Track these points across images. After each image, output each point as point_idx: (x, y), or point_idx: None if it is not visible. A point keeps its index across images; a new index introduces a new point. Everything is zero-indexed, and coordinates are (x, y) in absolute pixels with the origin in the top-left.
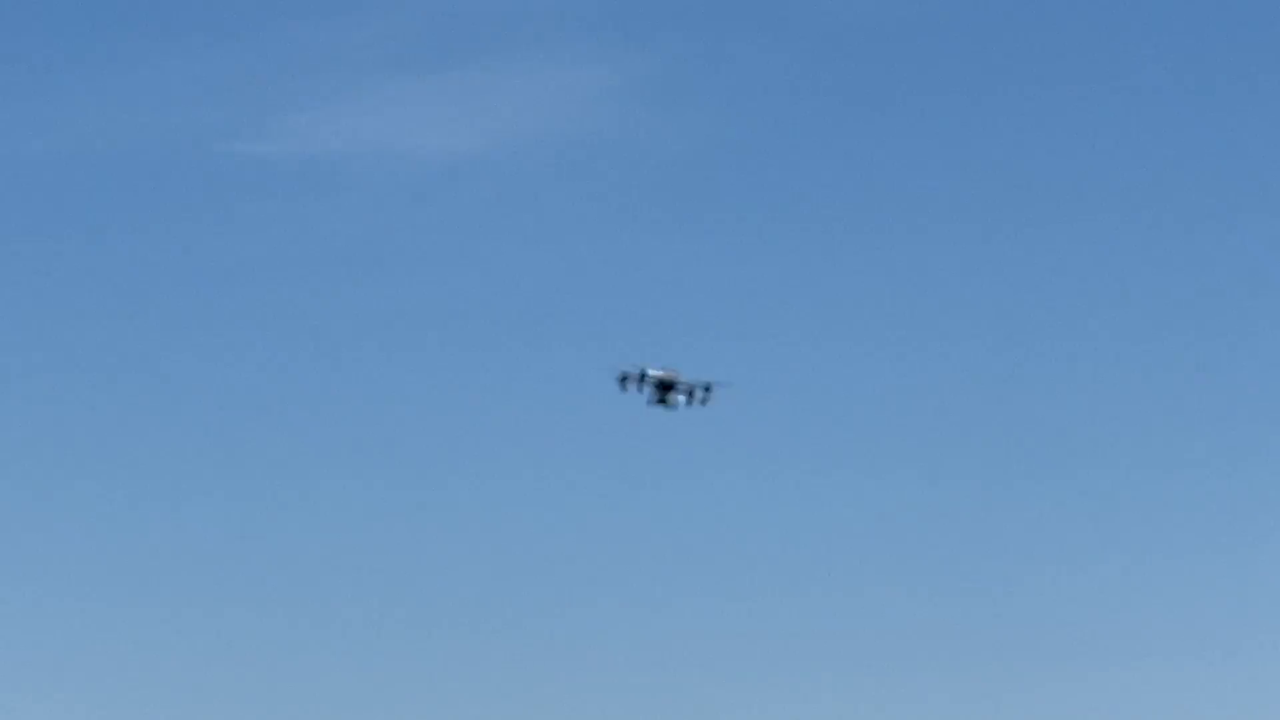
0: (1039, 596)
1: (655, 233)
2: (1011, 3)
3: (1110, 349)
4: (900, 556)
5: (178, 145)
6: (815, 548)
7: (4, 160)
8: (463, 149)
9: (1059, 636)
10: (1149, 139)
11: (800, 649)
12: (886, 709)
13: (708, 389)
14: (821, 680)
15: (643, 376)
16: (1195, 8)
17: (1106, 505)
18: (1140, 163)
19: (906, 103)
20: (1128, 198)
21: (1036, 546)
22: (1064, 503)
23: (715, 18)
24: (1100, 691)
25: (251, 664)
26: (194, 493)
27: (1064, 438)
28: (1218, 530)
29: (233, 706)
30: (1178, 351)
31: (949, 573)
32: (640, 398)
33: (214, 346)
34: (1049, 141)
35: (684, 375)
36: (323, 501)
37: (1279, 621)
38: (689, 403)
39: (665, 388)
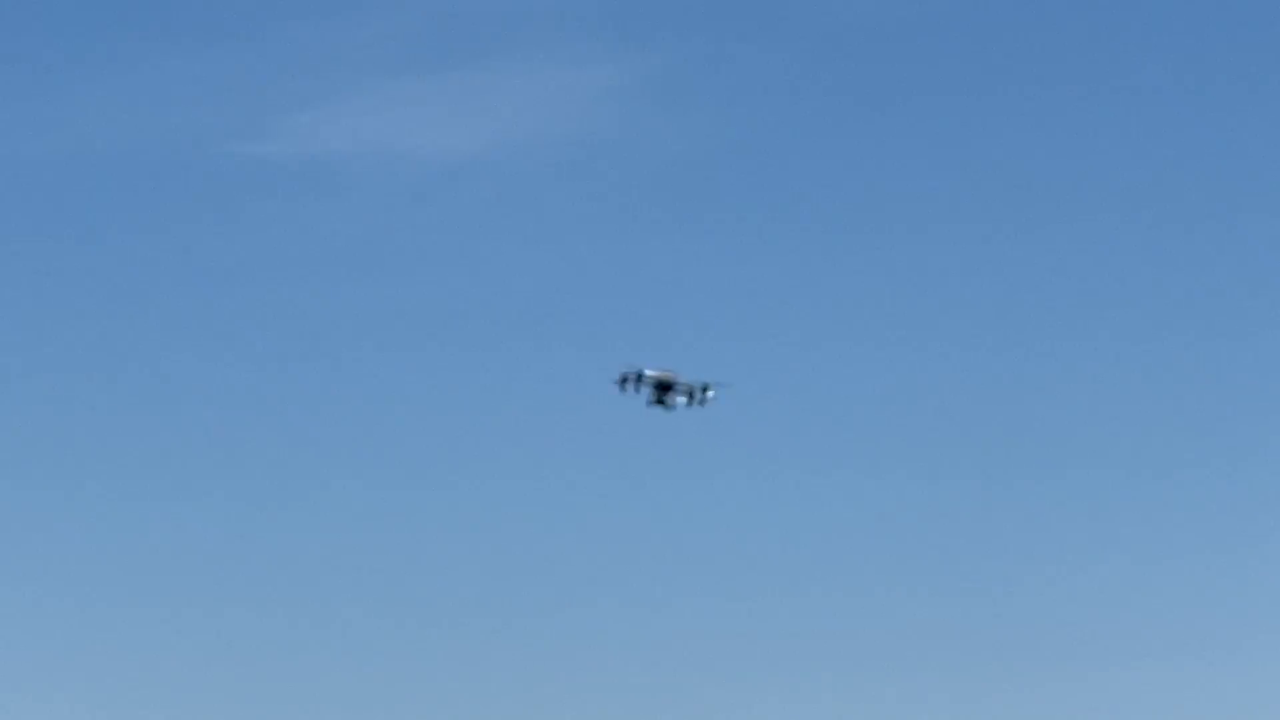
0: (1039, 596)
1: (655, 233)
2: (1012, 3)
3: (1110, 349)
4: (900, 556)
5: (178, 146)
6: (815, 547)
7: (5, 160)
8: (463, 149)
9: (1059, 636)
10: (1149, 139)
11: (800, 649)
12: (887, 709)
13: (705, 389)
14: (821, 680)
15: (639, 377)
16: (1195, 8)
17: (1106, 505)
18: (1140, 163)
19: (907, 103)
20: (1128, 198)
21: (1036, 546)
22: (1064, 502)
23: (715, 18)
24: (1100, 691)
25: (251, 664)
26: (194, 493)
27: (1064, 437)
28: (1218, 530)
29: (233, 706)
30: (1178, 351)
31: (949, 573)
32: (639, 398)
33: (214, 346)
34: (1049, 141)
35: (682, 376)
36: (323, 501)
37: (1279, 621)
38: (689, 404)
39: (664, 388)
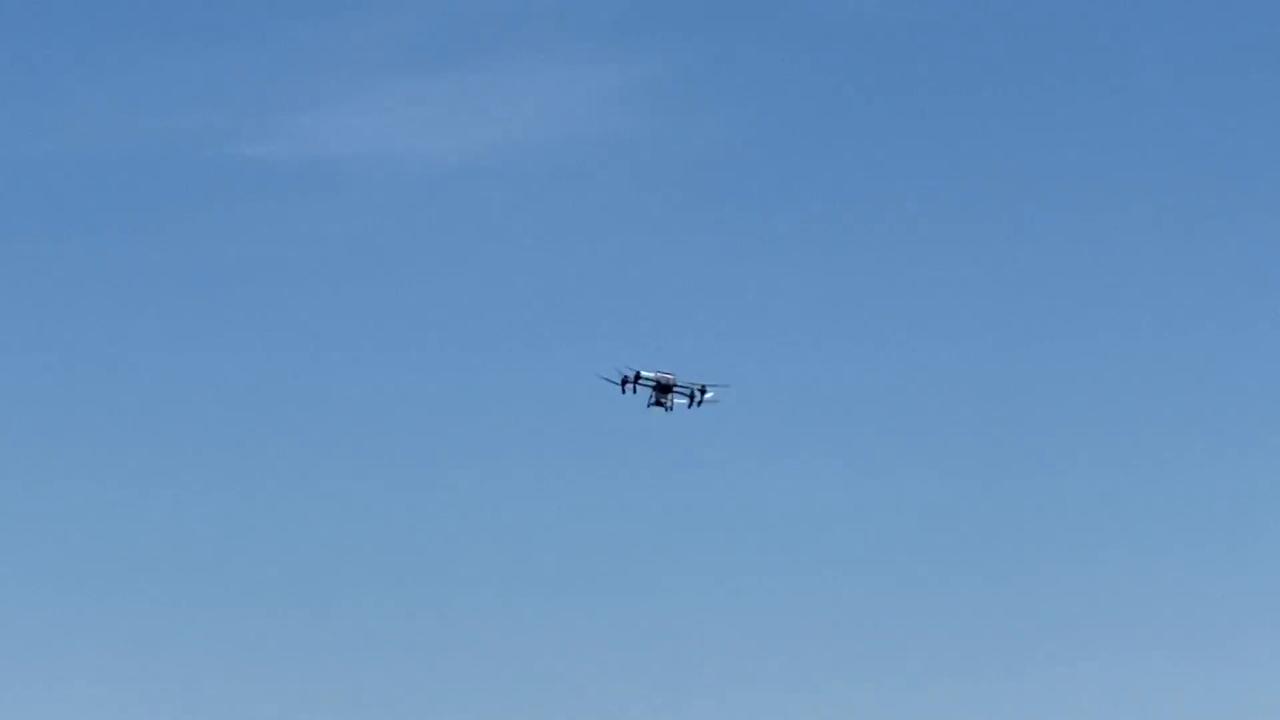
0: (1038, 595)
1: (658, 234)
2: (1013, 4)
3: (1110, 348)
4: (900, 556)
5: (180, 147)
6: (815, 547)
7: (6, 160)
8: (463, 151)
9: (1058, 635)
10: (1149, 139)
11: (800, 649)
12: (886, 706)
13: (703, 390)
14: (823, 680)
15: (637, 377)
16: (1195, 8)
17: (1106, 503)
18: (1140, 163)
19: (909, 105)
20: (1128, 198)
21: (1036, 546)
22: (1064, 501)
23: (717, 20)
24: (1100, 689)
25: (251, 663)
26: (194, 491)
27: (1064, 437)
28: (1219, 529)
29: (232, 705)
30: (1178, 351)
31: (949, 573)
32: (639, 399)
33: (214, 346)
34: (1049, 141)
35: (681, 377)
36: (322, 501)
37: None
38: (690, 405)
39: (663, 390)
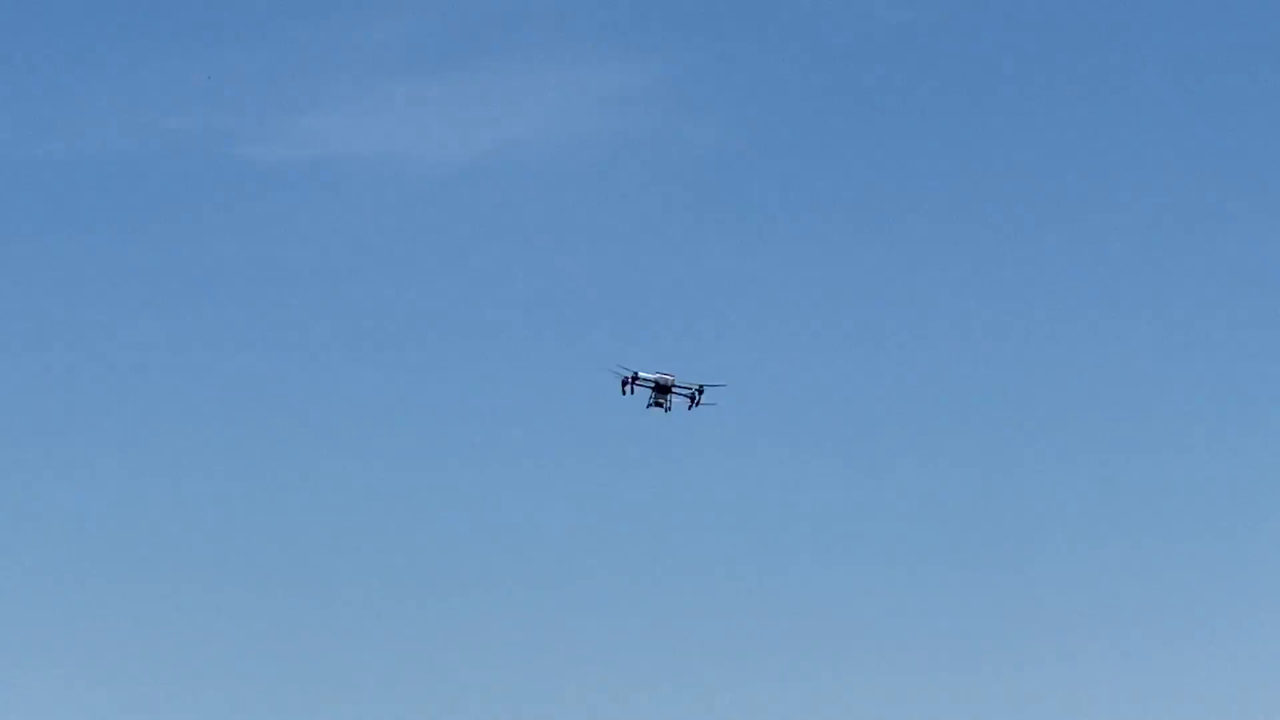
0: (1037, 592)
1: (658, 235)
2: (1014, 4)
3: (1109, 347)
4: (899, 554)
5: (182, 147)
6: (815, 546)
7: (7, 160)
8: (466, 152)
9: (1057, 630)
10: (1149, 139)
11: (800, 646)
12: (887, 702)
13: (702, 391)
14: (823, 676)
15: (636, 378)
16: (1195, 8)
17: (1104, 500)
18: (1140, 163)
19: (910, 106)
20: (1128, 198)
21: (1035, 543)
22: (1063, 498)
23: (719, 21)
24: (1097, 684)
25: (251, 662)
26: (194, 491)
27: (1062, 435)
28: (1217, 525)
29: (233, 704)
30: (1177, 350)
31: (948, 570)
32: (639, 399)
33: (215, 346)
34: (1049, 141)
35: (680, 378)
36: (323, 500)
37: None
38: (690, 406)
39: (662, 390)
